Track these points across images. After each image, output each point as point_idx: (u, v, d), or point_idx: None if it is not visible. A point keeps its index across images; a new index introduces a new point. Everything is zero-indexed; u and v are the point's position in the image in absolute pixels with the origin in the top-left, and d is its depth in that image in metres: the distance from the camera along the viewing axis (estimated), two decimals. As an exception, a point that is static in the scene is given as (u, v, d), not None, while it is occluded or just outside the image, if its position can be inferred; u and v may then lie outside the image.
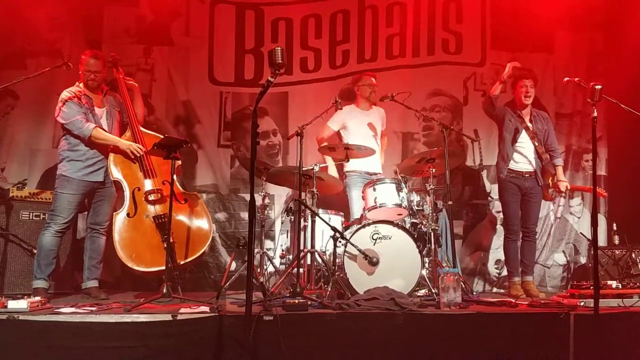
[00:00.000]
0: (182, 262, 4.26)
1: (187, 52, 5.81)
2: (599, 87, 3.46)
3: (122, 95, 4.53)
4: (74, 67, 4.35)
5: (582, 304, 3.68)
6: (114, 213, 4.27)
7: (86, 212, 4.56)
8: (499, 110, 5.05)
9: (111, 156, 4.30)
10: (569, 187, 5.10)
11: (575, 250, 6.00)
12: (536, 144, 4.95)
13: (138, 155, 4.28)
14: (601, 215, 5.98)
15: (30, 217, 4.55)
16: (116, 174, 4.29)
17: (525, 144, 4.97)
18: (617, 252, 5.20)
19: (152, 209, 4.28)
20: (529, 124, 4.99)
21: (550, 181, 5.11)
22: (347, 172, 5.06)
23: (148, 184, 4.33)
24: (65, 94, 4.25)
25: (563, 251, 6.00)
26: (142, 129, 4.46)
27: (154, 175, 4.34)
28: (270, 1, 5.90)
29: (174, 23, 5.83)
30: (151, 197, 4.28)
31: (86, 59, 4.32)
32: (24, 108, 5.51)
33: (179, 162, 4.16)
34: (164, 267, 3.89)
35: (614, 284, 3.92)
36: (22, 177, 5.29)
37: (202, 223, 4.40)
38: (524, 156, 4.97)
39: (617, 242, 5.39)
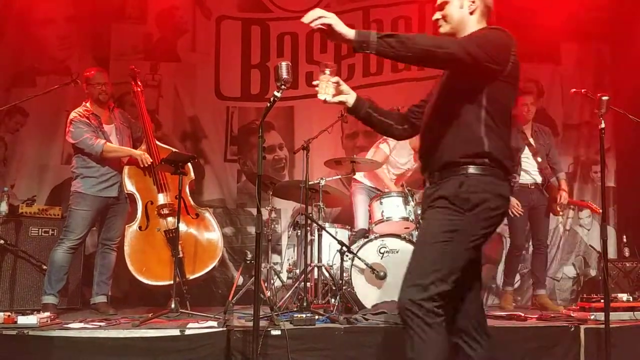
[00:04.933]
0: (191, 277, 4.27)
1: (194, 67, 5.87)
2: (606, 98, 3.45)
3: (139, 108, 4.57)
4: (81, 84, 4.40)
5: (592, 317, 3.64)
6: (126, 226, 4.31)
7: (95, 229, 4.59)
8: None
9: (125, 169, 4.35)
10: (567, 199, 4.99)
11: (585, 262, 5.95)
12: (539, 159, 4.94)
13: (145, 165, 4.31)
14: (611, 227, 5.92)
15: (40, 233, 4.58)
16: (130, 187, 4.34)
17: (528, 160, 4.97)
18: (628, 265, 5.14)
19: (164, 223, 4.31)
20: (531, 140, 5.00)
21: (557, 196, 5.03)
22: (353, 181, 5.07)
23: (161, 198, 4.38)
24: (72, 114, 4.30)
25: (573, 264, 5.95)
26: (157, 142, 4.51)
27: (167, 189, 4.38)
28: (276, 16, 5.96)
29: (180, 39, 5.90)
30: (164, 211, 4.32)
31: (92, 74, 4.38)
32: (33, 125, 5.58)
33: (193, 176, 4.19)
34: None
35: (624, 296, 3.88)
36: (31, 193, 5.33)
37: (212, 238, 4.42)
38: (528, 170, 4.95)
39: (627, 254, 5.34)
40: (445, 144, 2.18)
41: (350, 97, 2.41)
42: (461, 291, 2.17)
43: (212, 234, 4.44)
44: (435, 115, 2.28)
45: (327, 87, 2.31)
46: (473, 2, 2.30)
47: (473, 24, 2.30)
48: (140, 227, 4.29)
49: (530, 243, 5.18)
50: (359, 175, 4.98)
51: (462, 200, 2.08)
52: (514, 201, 4.73)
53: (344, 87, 2.39)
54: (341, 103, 2.40)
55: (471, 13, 2.30)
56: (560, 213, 5.03)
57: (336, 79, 2.34)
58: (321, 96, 2.31)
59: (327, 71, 2.31)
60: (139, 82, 4.63)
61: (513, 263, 5.02)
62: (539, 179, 4.94)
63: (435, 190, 2.18)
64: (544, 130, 5.15)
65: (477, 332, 2.22)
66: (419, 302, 2.02)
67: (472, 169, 2.11)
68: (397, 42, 2.04)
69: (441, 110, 2.25)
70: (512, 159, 2.21)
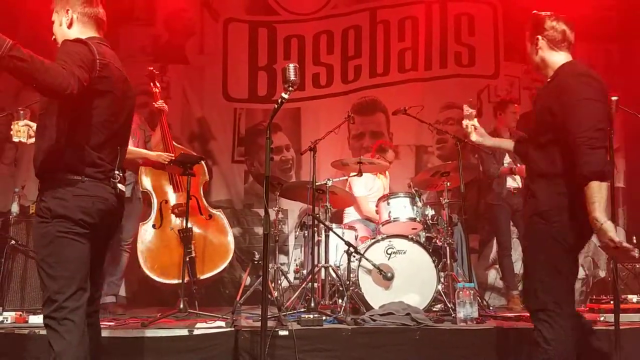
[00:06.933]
0: (201, 277, 4.30)
1: (202, 69, 5.90)
2: (615, 98, 3.42)
3: (157, 110, 4.59)
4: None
5: (602, 318, 3.63)
6: (140, 223, 4.36)
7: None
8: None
9: (142, 168, 4.42)
10: None
11: (594, 264, 5.91)
12: (518, 165, 4.99)
13: (165, 162, 4.34)
14: (620, 228, 5.88)
15: (49, 234, 4.61)
16: (147, 185, 4.43)
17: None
18: (638, 266, 5.09)
19: (178, 222, 4.36)
20: None
21: None
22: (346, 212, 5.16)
23: (176, 198, 4.46)
24: None
25: (581, 265, 5.91)
26: (174, 143, 4.55)
27: (182, 189, 4.42)
28: (283, 19, 5.98)
29: (188, 41, 5.94)
30: (178, 211, 4.38)
31: None
32: (43, 127, 5.62)
33: (207, 178, 4.22)
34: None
35: (634, 298, 3.86)
36: (41, 194, 5.36)
37: (224, 239, 4.46)
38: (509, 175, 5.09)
39: (637, 255, 5.29)
40: (35, 155, 2.29)
41: None
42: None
43: (225, 235, 4.48)
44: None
45: (22, 130, 2.50)
46: (66, 14, 2.32)
47: (75, 36, 2.31)
48: (154, 225, 4.36)
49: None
50: (348, 216, 5.06)
51: (45, 210, 2.24)
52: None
53: None
54: None
55: (69, 27, 2.33)
56: None
57: (25, 122, 2.50)
58: (16, 139, 2.49)
59: (22, 115, 2.54)
60: (157, 84, 4.64)
61: (505, 265, 5.12)
62: (519, 184, 5.05)
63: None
64: (519, 134, 5.19)
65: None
66: (50, 315, 2.16)
67: (49, 177, 2.26)
68: (26, 69, 2.01)
69: (38, 121, 2.30)
70: (94, 165, 2.29)
